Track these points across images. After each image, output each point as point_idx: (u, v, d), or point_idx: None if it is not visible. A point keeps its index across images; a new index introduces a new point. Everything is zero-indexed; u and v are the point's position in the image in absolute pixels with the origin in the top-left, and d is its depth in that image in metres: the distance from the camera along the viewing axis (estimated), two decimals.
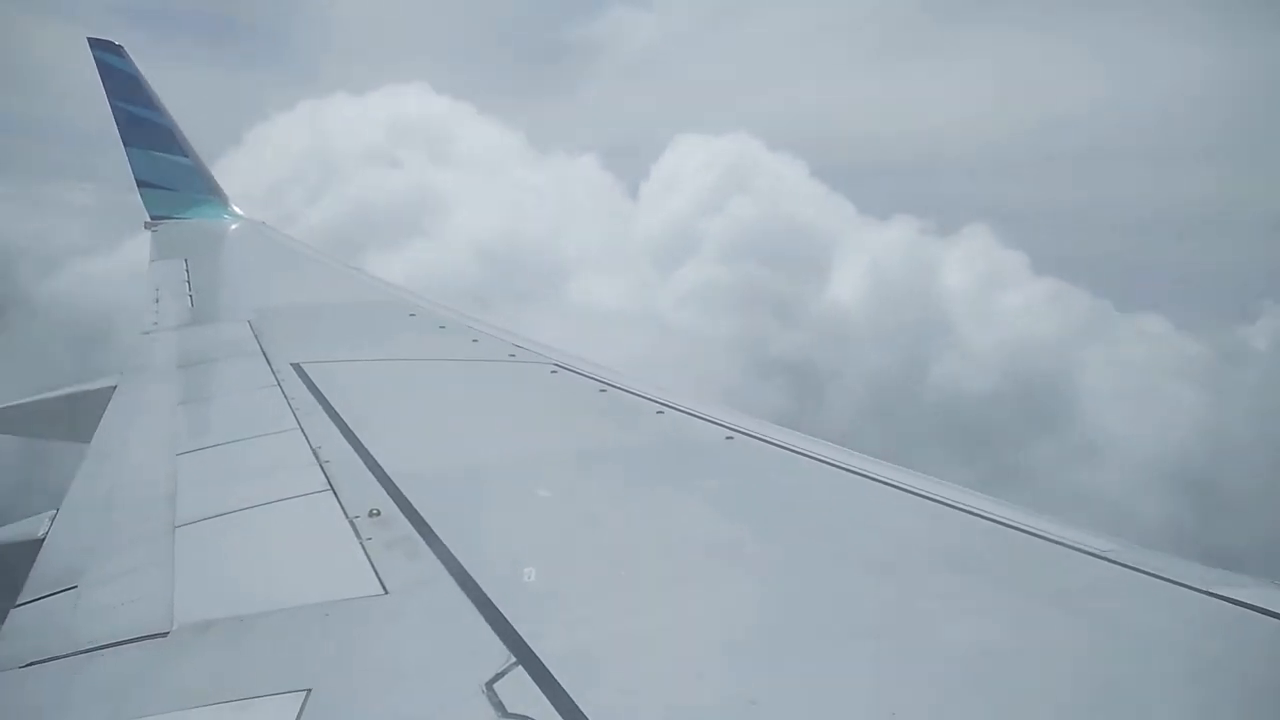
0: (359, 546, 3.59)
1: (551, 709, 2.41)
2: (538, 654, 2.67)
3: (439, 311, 9.17)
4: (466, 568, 3.30)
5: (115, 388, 6.88)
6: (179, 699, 2.72)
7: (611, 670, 2.66)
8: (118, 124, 16.18)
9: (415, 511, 3.87)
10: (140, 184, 16.13)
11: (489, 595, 3.07)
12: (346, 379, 6.42)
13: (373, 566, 3.40)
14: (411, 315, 9.01)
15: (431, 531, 3.66)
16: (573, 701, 2.43)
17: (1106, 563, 3.29)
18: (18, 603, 3.53)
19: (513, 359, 6.98)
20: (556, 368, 6.60)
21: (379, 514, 3.85)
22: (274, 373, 6.54)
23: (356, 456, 4.63)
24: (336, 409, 5.49)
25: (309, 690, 2.61)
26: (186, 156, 16.65)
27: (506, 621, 2.88)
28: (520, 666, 2.62)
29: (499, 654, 2.69)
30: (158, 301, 10.36)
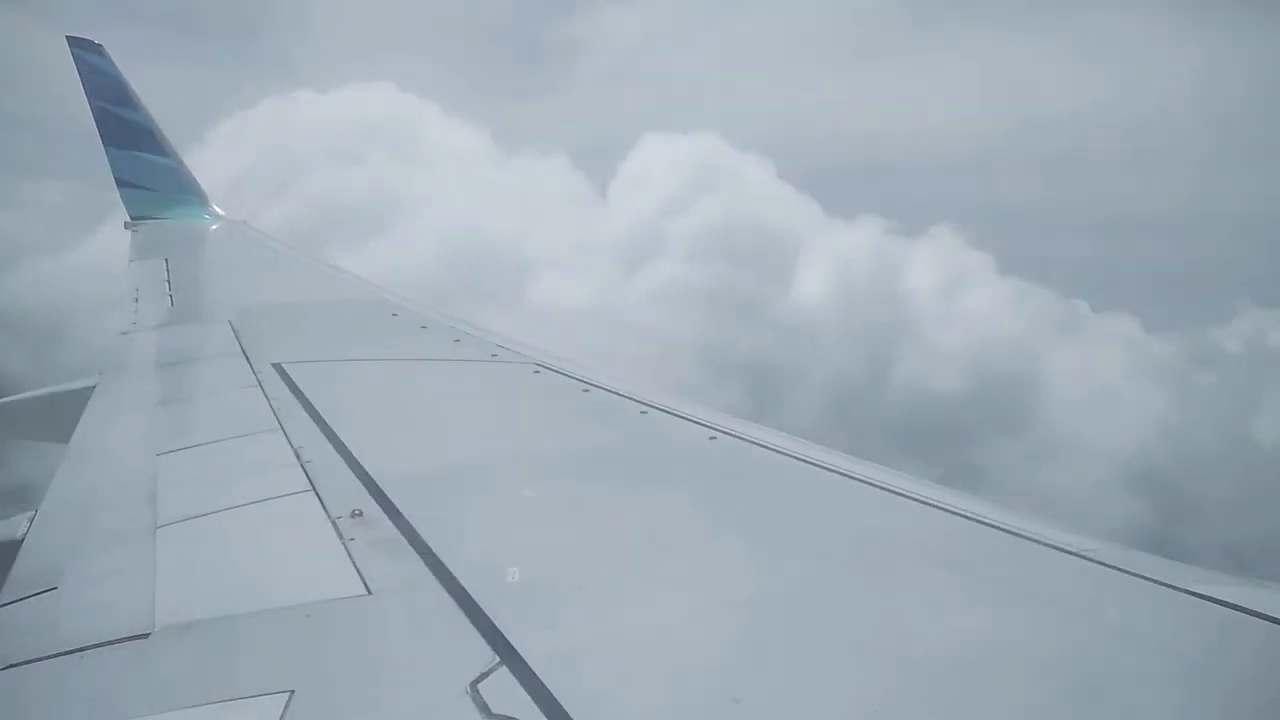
0: (341, 547, 3.57)
1: (536, 709, 2.41)
2: (522, 654, 2.67)
3: (421, 311, 9.14)
4: (450, 568, 3.29)
5: (94, 388, 6.83)
6: (160, 701, 2.70)
7: (596, 670, 2.67)
8: (97, 123, 16.05)
9: (398, 512, 3.86)
10: (120, 184, 16.00)
11: (473, 595, 3.06)
12: (328, 379, 6.39)
13: (355, 567, 3.39)
14: (394, 315, 8.98)
15: (414, 531, 3.65)
16: (557, 702, 2.43)
17: (1088, 562, 3.32)
18: None
19: (495, 359, 6.97)
20: (539, 368, 6.59)
21: (361, 514, 3.84)
22: (255, 373, 6.50)
23: (338, 457, 4.61)
24: (318, 409, 5.47)
25: (292, 691, 2.60)
26: (167, 156, 16.53)
27: (490, 622, 2.88)
28: (504, 667, 2.62)
29: (483, 654, 2.69)
30: (137, 301, 10.28)
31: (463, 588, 3.13)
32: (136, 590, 3.38)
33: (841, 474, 4.32)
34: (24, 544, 4.05)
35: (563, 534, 3.76)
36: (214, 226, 15.93)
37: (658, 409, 5.42)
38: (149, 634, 3.06)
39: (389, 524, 3.76)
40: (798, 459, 4.56)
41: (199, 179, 16.87)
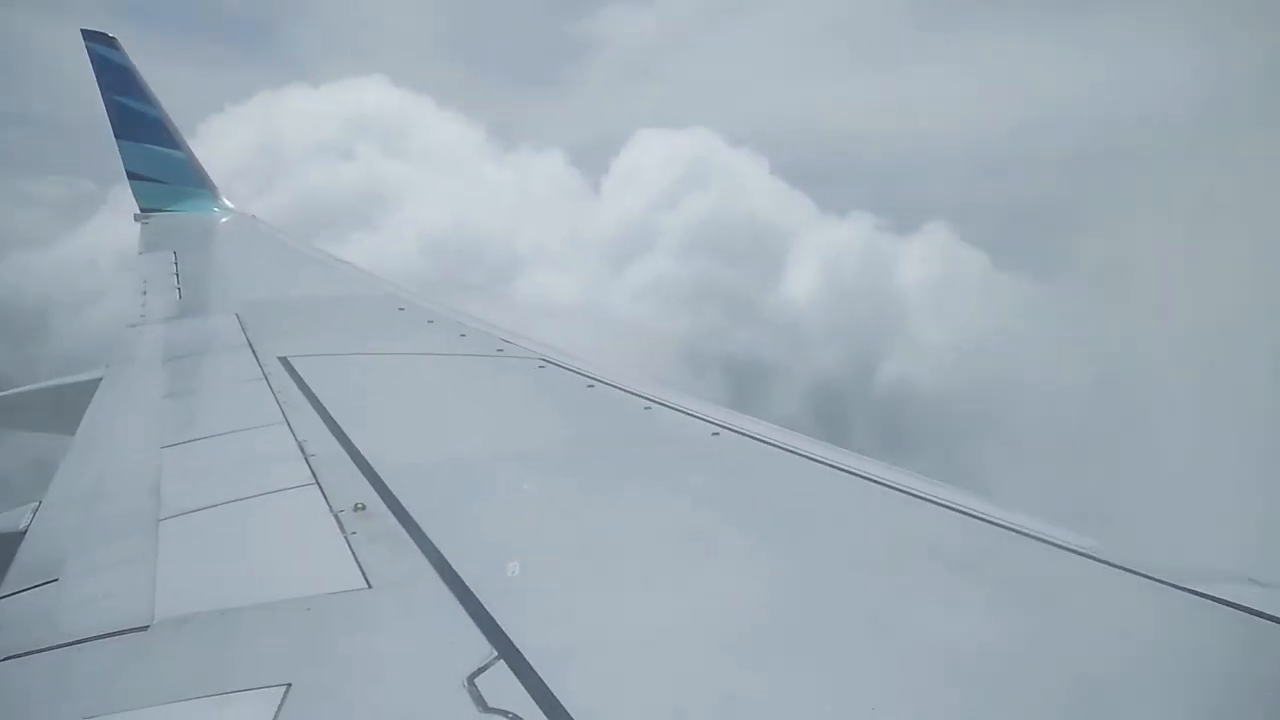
0: (343, 540, 3.57)
1: (533, 704, 2.41)
2: (520, 649, 2.66)
3: (427, 305, 9.14)
4: (451, 562, 3.29)
5: (100, 380, 6.85)
6: (158, 693, 2.70)
7: (594, 666, 2.66)
8: (109, 116, 16.10)
9: (400, 505, 3.86)
10: (131, 176, 16.06)
11: (473, 590, 3.06)
12: (333, 373, 6.40)
13: (356, 561, 3.39)
14: (400, 309, 8.99)
15: (416, 526, 3.65)
16: (554, 697, 2.43)
17: (1088, 560, 3.29)
18: None
19: (500, 354, 6.97)
20: (544, 363, 6.58)
21: (364, 508, 3.84)
22: (261, 366, 6.51)
23: (342, 450, 4.61)
24: (323, 403, 5.47)
25: (289, 685, 2.60)
26: (178, 149, 16.57)
27: (490, 616, 2.87)
28: (502, 661, 2.61)
29: (481, 649, 2.68)
30: (145, 294, 10.32)
31: (463, 582, 3.13)
32: (137, 583, 3.38)
33: (843, 470, 4.30)
34: (27, 535, 4.06)
35: (563, 529, 3.75)
36: (223, 220, 15.97)
37: (661, 404, 5.41)
38: (148, 626, 3.06)
39: (391, 518, 3.76)
40: (800, 455, 4.54)
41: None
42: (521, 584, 3.15)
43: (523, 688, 2.48)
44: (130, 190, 15.99)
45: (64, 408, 6.53)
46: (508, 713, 2.38)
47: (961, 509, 3.80)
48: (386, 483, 4.12)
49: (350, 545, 3.52)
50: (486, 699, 2.44)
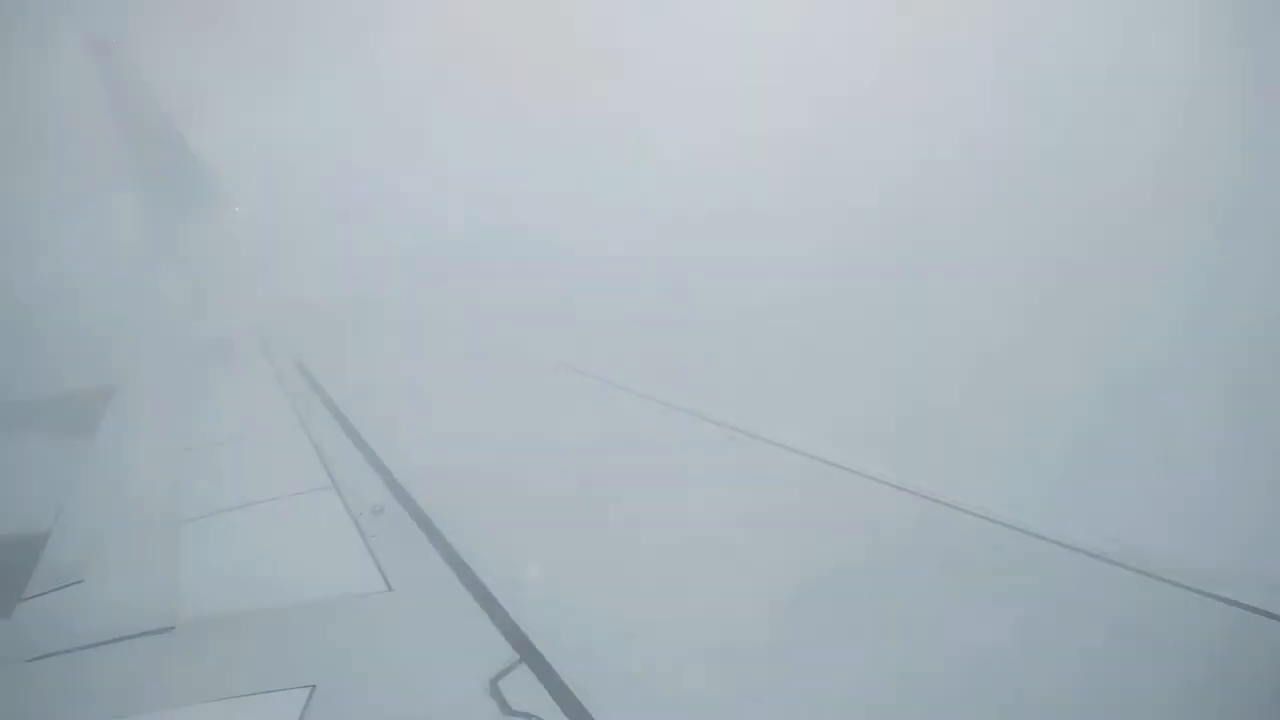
0: (363, 543, 3.59)
1: (556, 708, 2.41)
2: (542, 652, 2.67)
3: (442, 308, 9.17)
4: (470, 565, 3.30)
5: (120, 385, 6.91)
6: (184, 694, 2.73)
7: (616, 669, 2.66)
8: (115, 122, 16.19)
9: (418, 508, 3.88)
10: (139, 181, 16.14)
11: (493, 593, 3.07)
12: (349, 376, 6.42)
13: (377, 563, 3.41)
14: (416, 313, 9.03)
15: (435, 528, 3.67)
16: (577, 700, 2.43)
17: (1107, 564, 3.25)
18: (23, 597, 3.54)
19: (516, 356, 6.98)
20: (560, 365, 6.60)
21: (383, 510, 3.86)
22: (277, 370, 6.55)
23: (359, 453, 4.64)
24: (339, 406, 5.50)
25: (313, 686, 2.62)
26: (187, 155, 16.65)
27: (511, 619, 2.88)
28: (524, 664, 2.62)
29: (503, 652, 2.69)
30: (161, 300, 10.40)
31: (483, 585, 3.14)
32: (160, 584, 3.41)
33: (859, 474, 4.25)
34: (50, 538, 4.09)
35: (583, 532, 3.76)
36: (233, 224, 16.00)
37: (678, 408, 5.40)
38: (173, 628, 3.09)
39: (410, 521, 3.78)
40: (818, 460, 4.52)
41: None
42: (542, 587, 3.16)
43: (546, 691, 2.49)
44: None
45: (84, 411, 6.58)
46: (531, 715, 2.39)
47: (979, 513, 3.75)
48: (404, 486, 4.15)
49: (370, 548, 3.55)
50: (510, 702, 2.45)
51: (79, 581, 3.56)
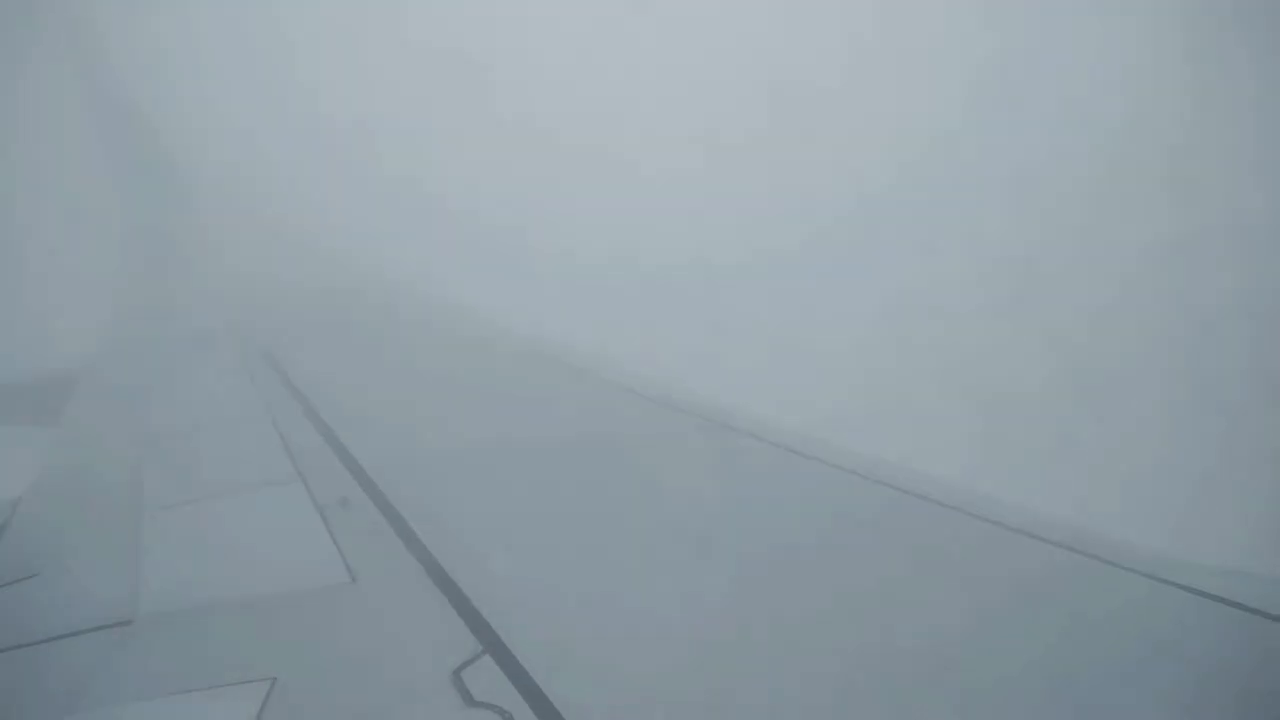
0: (328, 535, 3.56)
1: (519, 699, 2.40)
2: (506, 644, 2.66)
3: (415, 295, 9.12)
4: (436, 557, 3.28)
5: (84, 372, 6.81)
6: (143, 688, 2.69)
7: (581, 661, 2.65)
8: (91, 110, 15.97)
9: (385, 500, 3.85)
10: (114, 170, 15.94)
11: (458, 584, 3.05)
12: (318, 367, 6.37)
13: (341, 555, 3.37)
14: (386, 299, 8.96)
15: (402, 520, 3.63)
16: (541, 691, 2.42)
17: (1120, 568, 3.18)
18: None
19: (490, 345, 6.95)
20: (536, 354, 6.57)
21: (348, 502, 3.82)
22: (245, 361, 6.48)
23: (326, 445, 4.59)
24: (307, 396, 5.45)
25: (274, 679, 2.59)
26: (158, 142, 16.45)
27: (476, 611, 2.86)
28: (488, 655, 2.60)
29: (467, 643, 2.67)
30: (131, 290, 10.26)
31: (448, 577, 3.11)
32: (119, 577, 3.36)
33: (846, 470, 4.21)
34: (5, 531, 4.02)
35: (552, 525, 3.74)
36: (201, 205, 15.79)
37: (652, 398, 5.40)
38: (131, 621, 3.04)
39: (376, 512, 3.74)
40: (791, 450, 4.51)
41: None
42: (508, 579, 3.14)
43: (509, 682, 2.47)
44: None
45: (46, 399, 6.49)
46: (495, 706, 2.37)
47: (971, 511, 3.69)
48: (372, 477, 4.11)
49: (335, 540, 3.51)
50: (473, 693, 2.43)
51: (35, 575, 3.50)
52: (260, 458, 4.49)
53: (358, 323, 8.28)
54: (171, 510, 4.00)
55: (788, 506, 3.94)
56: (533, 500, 4.01)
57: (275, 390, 5.66)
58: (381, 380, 6.43)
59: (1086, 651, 2.62)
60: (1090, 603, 2.96)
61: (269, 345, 6.74)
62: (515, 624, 2.77)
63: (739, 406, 5.23)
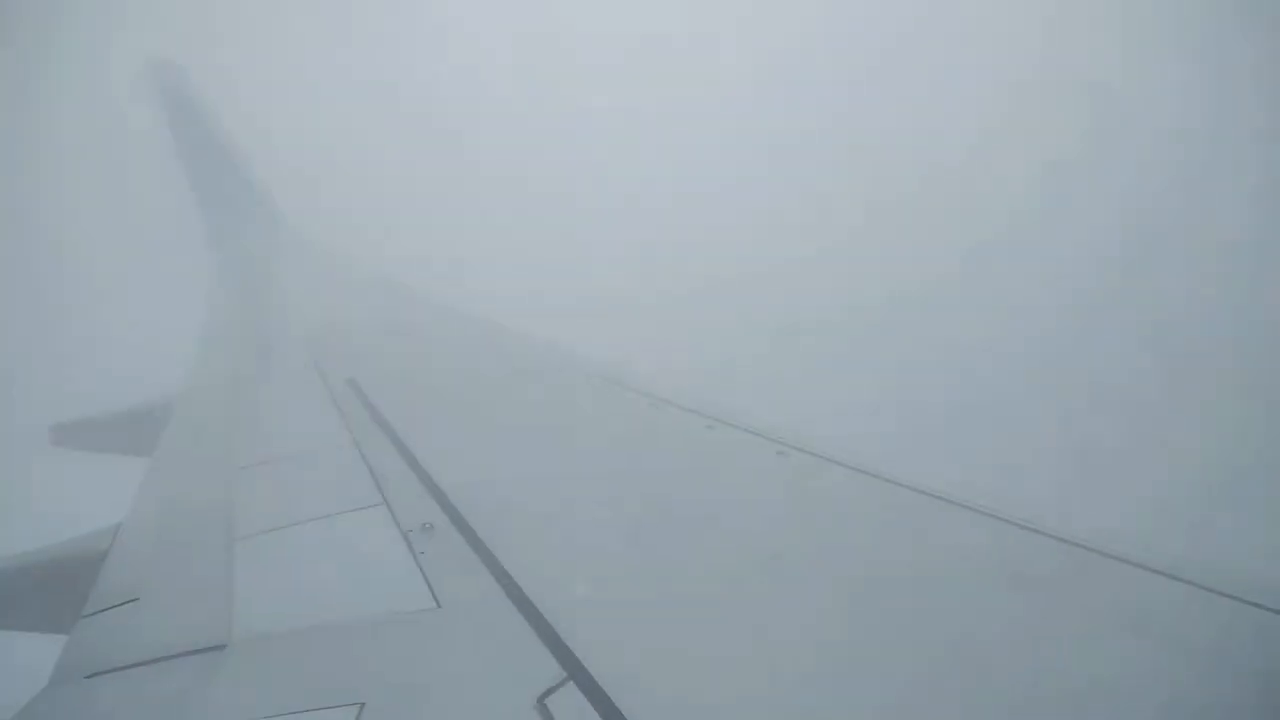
0: (413, 561, 3.61)
1: None
2: (590, 670, 2.66)
3: (494, 324, 9.23)
4: (519, 582, 3.30)
5: (176, 403, 7.04)
6: (236, 711, 2.75)
7: (666, 689, 2.63)
8: (177, 144, 16.65)
9: (468, 525, 3.89)
10: (199, 203, 16.56)
11: (541, 610, 3.06)
12: (401, 394, 6.48)
13: (426, 580, 3.42)
14: (468, 327, 9.10)
15: (484, 545, 3.67)
16: (624, 718, 2.41)
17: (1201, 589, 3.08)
18: (82, 614, 3.61)
19: (566, 373, 7.00)
20: (610, 383, 6.59)
21: (432, 527, 3.88)
22: (329, 388, 6.63)
23: (410, 470, 4.67)
24: (391, 423, 5.55)
25: (362, 704, 2.63)
26: (243, 174, 17.06)
27: (559, 637, 2.87)
28: (572, 682, 2.61)
29: (551, 670, 2.68)
30: (218, 320, 10.60)
31: (531, 602, 3.13)
32: (215, 602, 3.46)
33: (916, 490, 4.17)
34: (108, 556, 4.17)
35: (633, 551, 3.73)
36: (287, 242, 16.31)
37: (727, 424, 5.35)
38: (226, 645, 3.13)
39: (459, 537, 3.79)
40: (868, 474, 4.43)
41: None
42: (591, 605, 3.15)
43: (594, 710, 2.47)
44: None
45: (142, 430, 6.72)
46: None
47: (1043, 530, 3.63)
48: (454, 502, 4.16)
49: (419, 565, 3.56)
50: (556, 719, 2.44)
51: (135, 599, 3.62)
52: (346, 484, 4.58)
53: (444, 350, 8.41)
54: (262, 536, 4.10)
55: (874, 532, 3.86)
56: (619, 528, 4.00)
57: (361, 417, 5.77)
58: (467, 405, 6.51)
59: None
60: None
61: (355, 372, 6.88)
62: (600, 652, 2.77)
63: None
